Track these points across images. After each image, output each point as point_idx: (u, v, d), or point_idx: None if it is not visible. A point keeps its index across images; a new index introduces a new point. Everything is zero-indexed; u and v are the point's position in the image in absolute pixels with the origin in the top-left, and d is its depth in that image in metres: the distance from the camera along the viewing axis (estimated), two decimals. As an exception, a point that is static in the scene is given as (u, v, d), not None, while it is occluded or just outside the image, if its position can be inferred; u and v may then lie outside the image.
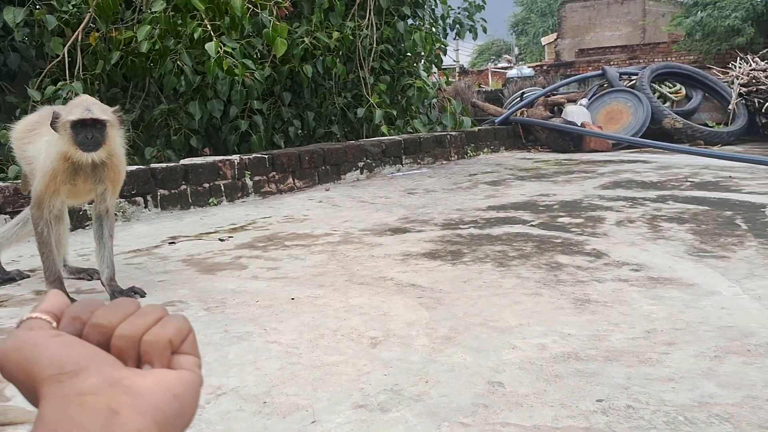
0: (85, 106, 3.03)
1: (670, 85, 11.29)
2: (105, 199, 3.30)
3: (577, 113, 10.09)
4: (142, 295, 3.28)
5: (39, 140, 3.34)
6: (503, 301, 3.02)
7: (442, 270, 3.57)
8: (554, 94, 11.71)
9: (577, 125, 9.86)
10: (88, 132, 3.00)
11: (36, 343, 0.54)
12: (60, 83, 6.09)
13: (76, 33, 6.44)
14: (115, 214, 5.11)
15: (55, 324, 0.57)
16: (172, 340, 0.56)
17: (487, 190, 6.36)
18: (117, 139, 3.19)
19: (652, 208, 5.07)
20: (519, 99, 11.75)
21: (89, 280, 3.66)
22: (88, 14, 6.49)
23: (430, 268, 3.61)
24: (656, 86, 11.11)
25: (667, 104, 10.87)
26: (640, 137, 9.82)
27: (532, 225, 4.60)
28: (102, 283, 3.34)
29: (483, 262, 3.69)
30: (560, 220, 4.74)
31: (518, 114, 11.03)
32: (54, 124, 3.03)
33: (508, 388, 2.19)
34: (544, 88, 12.25)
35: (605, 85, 11.47)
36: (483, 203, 5.60)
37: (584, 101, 10.79)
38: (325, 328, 2.78)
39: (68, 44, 6.40)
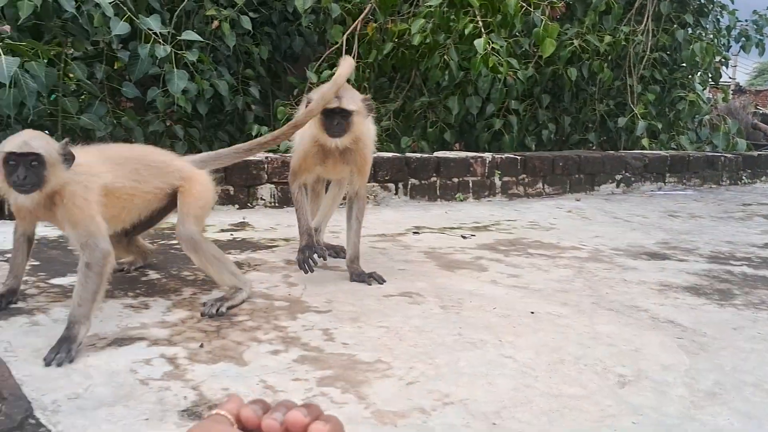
0: (337, 94, 3.12)
1: None
2: (354, 182, 3.40)
3: None
4: (381, 282, 3.29)
5: None
6: (785, 361, 2.53)
7: (707, 310, 3.12)
8: None
9: None
10: (335, 119, 3.12)
11: None
12: (335, 68, 6.43)
13: (356, 22, 6.78)
14: (367, 198, 5.30)
15: (233, 421, 0.74)
16: None
17: (765, 225, 5.55)
18: (365, 126, 3.26)
19: None
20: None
21: (335, 257, 3.77)
22: (369, 5, 6.78)
23: (693, 306, 3.18)
24: None
25: None
26: None
27: (825, 275, 3.88)
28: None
29: (758, 308, 3.16)
30: None
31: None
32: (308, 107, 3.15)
33: (789, 474, 1.80)
34: None
35: None
36: (759, 239, 4.87)
37: None
38: (566, 352, 2.54)
39: (347, 32, 6.75)
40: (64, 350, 2.24)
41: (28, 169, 2.34)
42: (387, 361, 2.37)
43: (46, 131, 4.64)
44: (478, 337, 2.64)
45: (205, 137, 6.60)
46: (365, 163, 3.38)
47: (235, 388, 2.09)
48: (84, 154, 2.60)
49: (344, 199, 3.61)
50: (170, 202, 2.95)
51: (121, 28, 4.77)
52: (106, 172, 2.65)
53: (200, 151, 6.12)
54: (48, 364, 2.19)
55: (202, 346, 2.41)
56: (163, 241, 3.89)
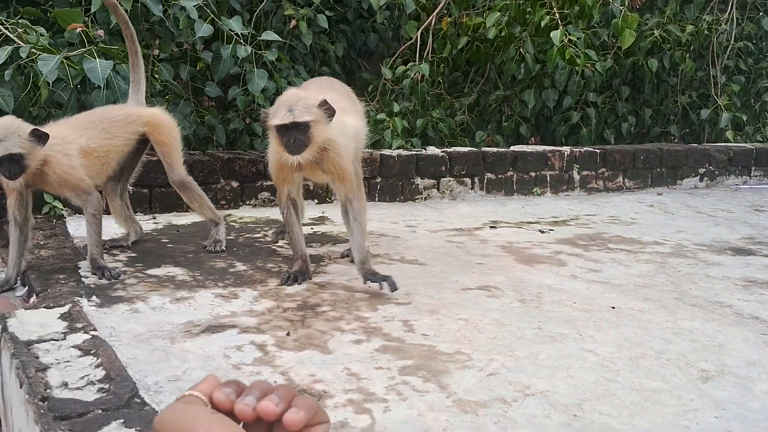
0: (288, 106, 2.87)
1: None
2: (338, 189, 3.20)
3: None
4: (393, 288, 2.95)
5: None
6: None
7: (797, 307, 3.04)
8: None
9: None
10: (290, 135, 2.87)
11: (196, 417, 0.66)
12: (410, 64, 6.51)
13: (431, 17, 6.81)
14: (432, 193, 5.33)
15: (208, 402, 0.70)
16: (309, 421, 0.70)
17: None
18: (329, 132, 2.98)
19: None
20: None
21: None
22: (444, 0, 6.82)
23: (781, 302, 3.10)
24: None
25: None
26: None
27: None
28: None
29: None
30: None
31: None
32: (264, 124, 3.04)
33: None
34: None
35: None
36: None
37: None
38: (648, 347, 2.53)
39: (422, 28, 6.79)
40: (105, 274, 3.04)
41: (11, 163, 2.86)
42: (467, 353, 2.42)
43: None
44: (558, 331, 2.66)
45: (282, 134, 6.78)
46: (342, 170, 3.10)
47: (321, 375, 2.19)
48: (57, 128, 3.12)
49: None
50: (140, 144, 3.51)
51: (204, 30, 4.95)
52: (80, 137, 3.15)
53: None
54: (106, 279, 3.02)
55: (288, 334, 2.52)
56: (248, 235, 4.04)
